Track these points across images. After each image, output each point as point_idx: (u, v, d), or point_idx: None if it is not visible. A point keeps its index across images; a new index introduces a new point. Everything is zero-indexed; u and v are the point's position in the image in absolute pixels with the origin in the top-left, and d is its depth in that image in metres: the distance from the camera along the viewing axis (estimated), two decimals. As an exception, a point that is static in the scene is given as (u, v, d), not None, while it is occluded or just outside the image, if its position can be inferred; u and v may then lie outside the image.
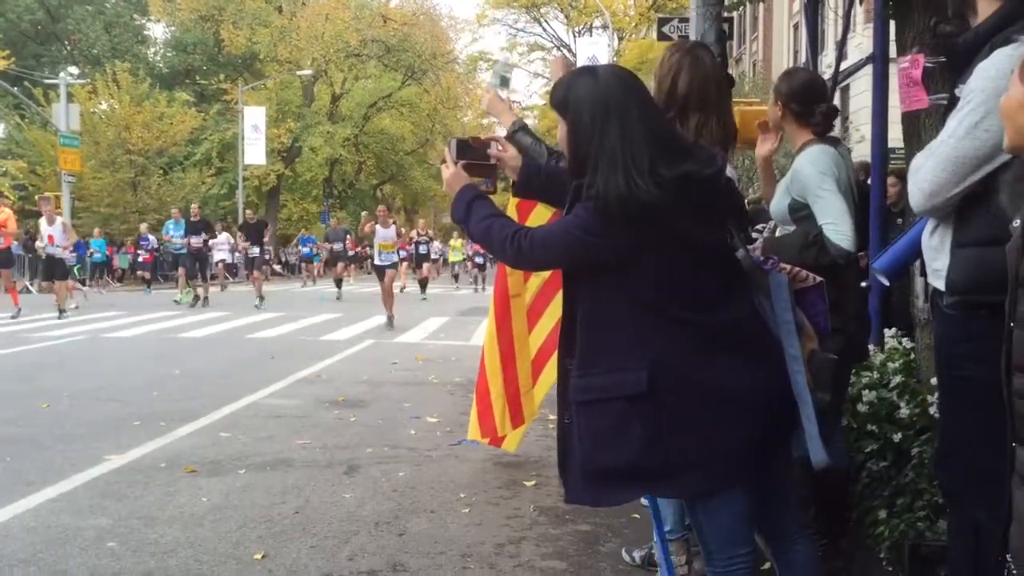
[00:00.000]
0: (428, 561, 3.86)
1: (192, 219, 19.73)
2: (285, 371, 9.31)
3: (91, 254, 27.49)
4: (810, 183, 3.12)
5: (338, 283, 23.18)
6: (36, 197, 34.52)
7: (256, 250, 20.35)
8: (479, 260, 28.68)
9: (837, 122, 3.55)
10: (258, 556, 3.87)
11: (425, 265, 24.98)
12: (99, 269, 28.41)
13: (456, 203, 2.43)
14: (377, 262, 15.32)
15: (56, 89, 30.86)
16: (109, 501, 4.68)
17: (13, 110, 36.69)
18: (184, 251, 19.51)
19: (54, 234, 16.12)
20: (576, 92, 2.23)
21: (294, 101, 44.59)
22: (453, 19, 55.37)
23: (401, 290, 23.42)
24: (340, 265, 23.97)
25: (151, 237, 27.09)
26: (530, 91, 51.00)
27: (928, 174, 2.31)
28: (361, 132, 46.54)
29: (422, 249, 25.32)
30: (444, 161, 2.55)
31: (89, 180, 32.44)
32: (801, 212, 3.18)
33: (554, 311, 4.96)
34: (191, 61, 45.58)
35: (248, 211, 24.47)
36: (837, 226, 3.04)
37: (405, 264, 24.80)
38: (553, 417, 6.25)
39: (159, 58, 47.94)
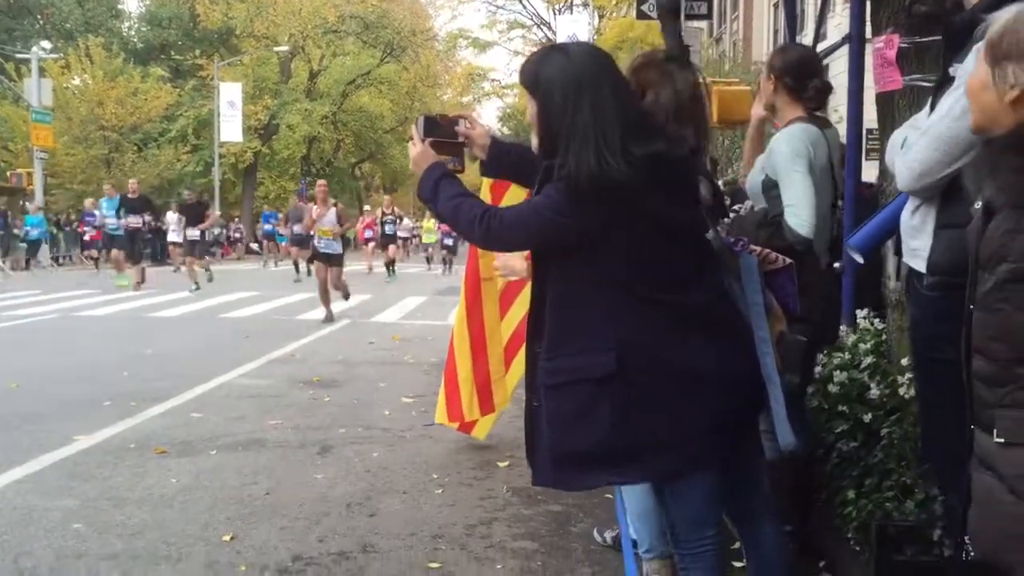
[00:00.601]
0: (399, 543, 3.84)
1: (129, 195, 17.96)
2: (259, 351, 9.24)
3: (25, 232, 25.38)
4: (781, 162, 3.10)
5: (296, 265, 21.56)
6: (7, 173, 34.27)
7: (196, 233, 17.71)
8: (448, 242, 26.52)
9: None
10: (227, 538, 3.84)
11: (391, 246, 22.89)
12: (35, 248, 25.53)
13: (423, 181, 2.37)
14: (317, 249, 12.47)
15: (28, 64, 30.41)
16: (77, 482, 4.63)
17: (-16, 85, 36.11)
18: (119, 231, 17.59)
19: None
20: (547, 70, 2.19)
21: (271, 78, 44.07)
22: (432, -4, 54.74)
23: (369, 270, 22.82)
24: (295, 249, 21.69)
25: (97, 213, 23.17)
26: (510, 69, 50.70)
27: (920, 153, 2.31)
28: (339, 110, 46.08)
29: (388, 229, 23.31)
30: (411, 138, 2.49)
31: (62, 156, 32.04)
32: (773, 191, 3.15)
33: (525, 297, 4.94)
34: (166, 36, 44.88)
35: (187, 191, 20.97)
36: (796, 210, 3.01)
37: (371, 245, 23.83)
38: (524, 391, 6.26)
39: (133, 33, 47.19)
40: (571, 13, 39.50)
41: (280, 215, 29.29)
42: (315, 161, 48.07)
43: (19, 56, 32.21)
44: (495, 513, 4.24)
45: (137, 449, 5.31)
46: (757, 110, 3.49)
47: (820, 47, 6.69)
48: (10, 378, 7.37)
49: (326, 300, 12.30)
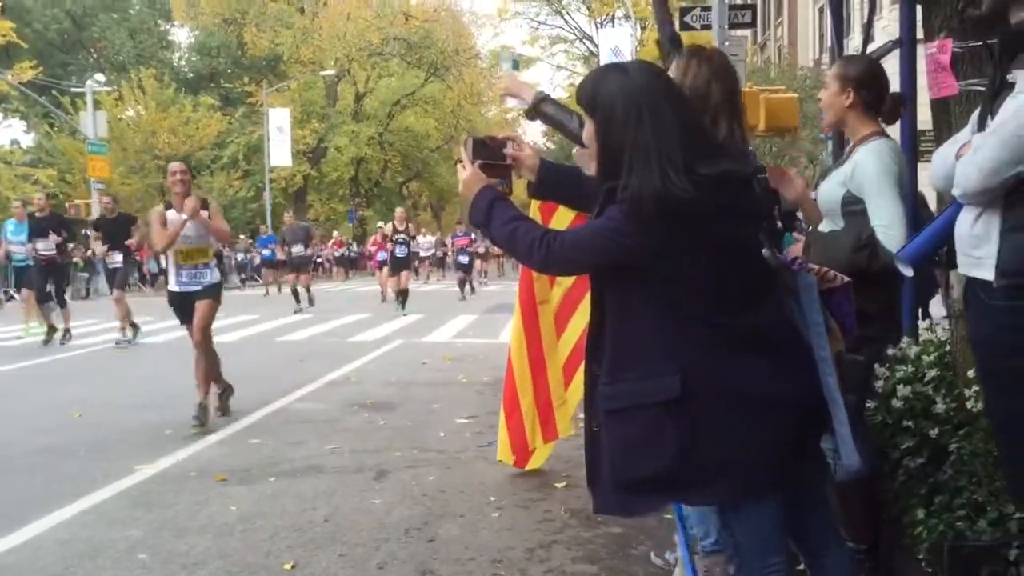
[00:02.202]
0: (458, 568, 3.82)
1: (38, 214, 13.10)
2: (314, 374, 9.32)
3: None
4: (871, 180, 3.01)
5: (295, 294, 18.44)
6: (66, 204, 35.17)
7: (118, 258, 12.96)
8: (463, 260, 23.47)
9: None
10: (288, 566, 3.86)
11: (403, 273, 17.75)
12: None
13: (475, 205, 2.34)
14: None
15: (83, 97, 31.19)
16: (140, 512, 4.69)
17: (42, 119, 37.21)
18: (27, 262, 13.07)
19: None
20: (606, 89, 2.15)
21: (318, 102, 44.76)
22: (474, 14, 55.34)
23: (384, 299, 20.00)
24: (303, 275, 19.05)
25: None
26: (553, 84, 50.74)
27: (990, 152, 2.32)
28: (386, 130, 46.63)
29: (399, 251, 17.83)
30: (459, 161, 2.47)
31: (118, 186, 32.79)
32: (854, 207, 3.08)
33: (581, 318, 4.91)
34: (215, 65, 45.88)
35: (106, 197, 14.86)
36: (890, 231, 2.94)
37: (384, 270, 19.95)
38: (584, 416, 6.21)
39: (184, 63, 48.30)
40: (613, 26, 39.42)
41: (277, 237, 24.52)
42: (363, 182, 48.65)
43: (75, 90, 33.08)
44: (554, 536, 4.21)
45: (198, 477, 5.38)
46: (789, 194, 3.25)
47: (868, 50, 6.59)
48: (72, 408, 7.53)
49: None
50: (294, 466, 5.61)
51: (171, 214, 6.99)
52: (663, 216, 2.02)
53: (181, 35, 48.98)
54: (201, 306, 7.02)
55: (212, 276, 7.21)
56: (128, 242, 12.89)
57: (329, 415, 7.27)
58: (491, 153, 2.50)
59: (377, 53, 44.21)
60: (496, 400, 5.81)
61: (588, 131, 2.21)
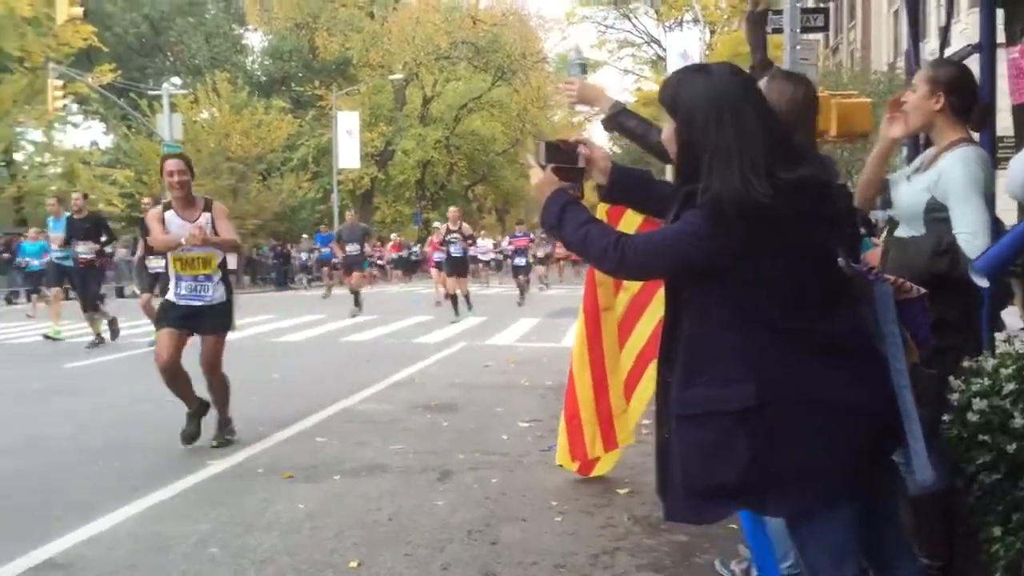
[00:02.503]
0: (521, 572, 3.83)
1: (76, 216, 12.48)
2: (378, 375, 9.42)
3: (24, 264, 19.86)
4: (956, 187, 2.94)
5: (355, 295, 17.68)
6: (142, 205, 36.13)
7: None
8: (519, 262, 22.24)
9: None
10: (353, 564, 3.91)
11: (459, 275, 16.80)
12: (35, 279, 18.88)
13: (547, 208, 2.35)
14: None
15: (160, 100, 32.00)
16: (210, 507, 4.79)
17: (121, 121, 38.27)
18: (67, 262, 12.75)
19: None
20: (688, 90, 2.15)
21: (386, 105, 45.32)
22: (542, 18, 55.03)
23: (439, 303, 19.05)
24: (355, 274, 18.15)
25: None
26: (621, 87, 50.56)
27: None
28: (452, 134, 47.00)
29: (454, 250, 16.78)
30: (524, 163, 2.49)
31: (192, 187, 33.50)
32: (937, 213, 3.01)
33: (645, 325, 4.88)
34: (287, 68, 46.78)
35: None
36: (974, 239, 2.86)
37: (436, 270, 19.20)
38: (647, 422, 6.14)
39: (256, 66, 49.34)
40: (681, 30, 39.16)
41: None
42: (429, 185, 49.09)
43: (152, 93, 33.97)
44: (617, 543, 4.19)
45: (266, 474, 5.48)
46: (893, 132, 3.27)
47: (945, 54, 6.44)
48: (143, 404, 7.73)
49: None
50: (359, 465, 5.67)
51: (170, 216, 6.18)
52: (743, 219, 2.00)
53: (254, 39, 50.11)
54: (208, 343, 6.26)
55: (216, 292, 6.17)
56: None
57: (393, 415, 7.34)
58: (563, 157, 2.50)
59: (445, 57, 44.59)
60: (559, 405, 5.80)
61: (667, 132, 2.21)
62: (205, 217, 6.12)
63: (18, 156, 36.24)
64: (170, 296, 6.29)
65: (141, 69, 43.28)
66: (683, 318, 2.19)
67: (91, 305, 12.46)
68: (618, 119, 3.17)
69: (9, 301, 23.62)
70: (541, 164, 2.45)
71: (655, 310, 4.95)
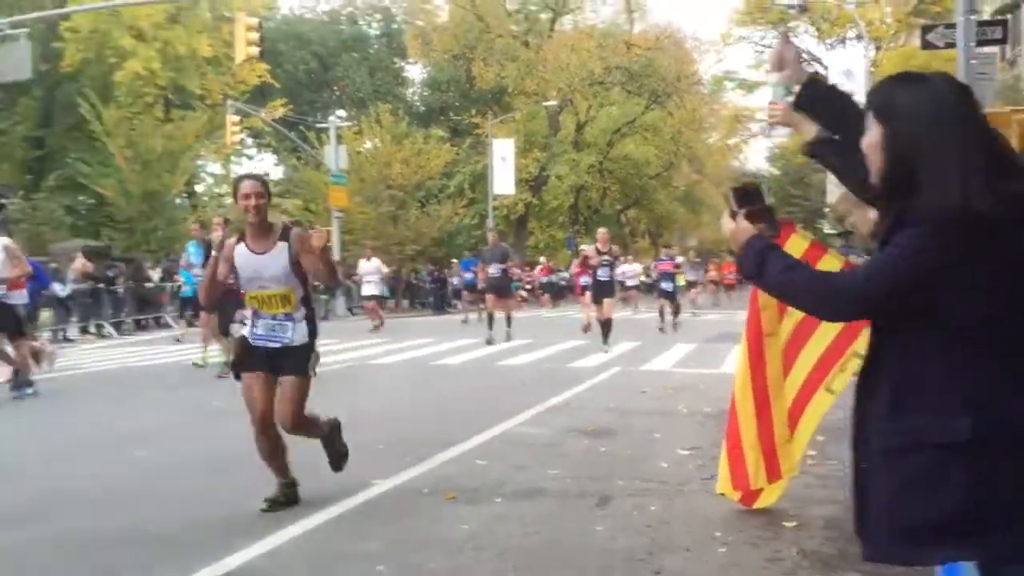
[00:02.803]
0: (684, 602, 3.78)
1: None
2: (535, 399, 9.50)
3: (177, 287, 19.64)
4: None
5: (490, 320, 17.11)
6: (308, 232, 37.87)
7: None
8: (666, 287, 20.88)
9: None
10: (515, 587, 3.95)
11: (606, 300, 15.52)
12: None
13: (746, 256, 2.27)
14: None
15: (327, 132, 33.59)
16: (377, 525, 4.96)
17: (291, 153, 40.37)
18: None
19: None
20: (905, 97, 2.08)
21: (540, 131, 45.91)
22: (697, 40, 54.42)
23: (585, 329, 17.37)
24: (491, 297, 17.33)
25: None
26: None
27: None
28: (605, 158, 47.09)
29: (601, 274, 15.56)
30: (725, 213, 2.40)
31: (355, 215, 34.96)
32: None
33: (812, 352, 4.75)
34: (445, 98, 48.20)
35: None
36: None
37: (586, 295, 17.36)
38: (812, 453, 5.94)
39: (416, 97, 51.07)
40: (844, 47, 37.88)
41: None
42: (582, 210, 49.30)
43: (319, 126, 35.72)
44: (784, 577, 4.07)
45: (430, 494, 5.62)
46: None
47: None
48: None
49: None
50: (518, 489, 5.74)
51: (242, 253, 5.24)
52: (962, 233, 1.93)
53: (414, 71, 51.85)
54: (287, 388, 5.21)
55: (296, 333, 5.25)
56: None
57: (550, 440, 7.39)
58: (751, 199, 2.41)
59: (599, 82, 44.78)
60: (719, 433, 5.70)
61: (872, 140, 2.12)
62: (280, 248, 5.18)
63: (199, 187, 38.82)
64: (244, 332, 5.46)
65: (310, 103, 45.57)
66: (888, 346, 2.09)
67: (222, 330, 12.03)
68: (821, 148, 3.04)
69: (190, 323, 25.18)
70: (733, 212, 2.36)
71: (822, 335, 4.81)
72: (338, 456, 5.73)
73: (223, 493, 5.75)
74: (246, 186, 5.24)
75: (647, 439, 7.33)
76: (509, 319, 17.43)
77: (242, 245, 5.26)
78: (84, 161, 33.06)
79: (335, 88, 49.70)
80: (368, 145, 38.25)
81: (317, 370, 5.41)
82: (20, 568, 4.41)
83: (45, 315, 19.71)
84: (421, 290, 34.99)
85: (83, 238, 29.70)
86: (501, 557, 4.37)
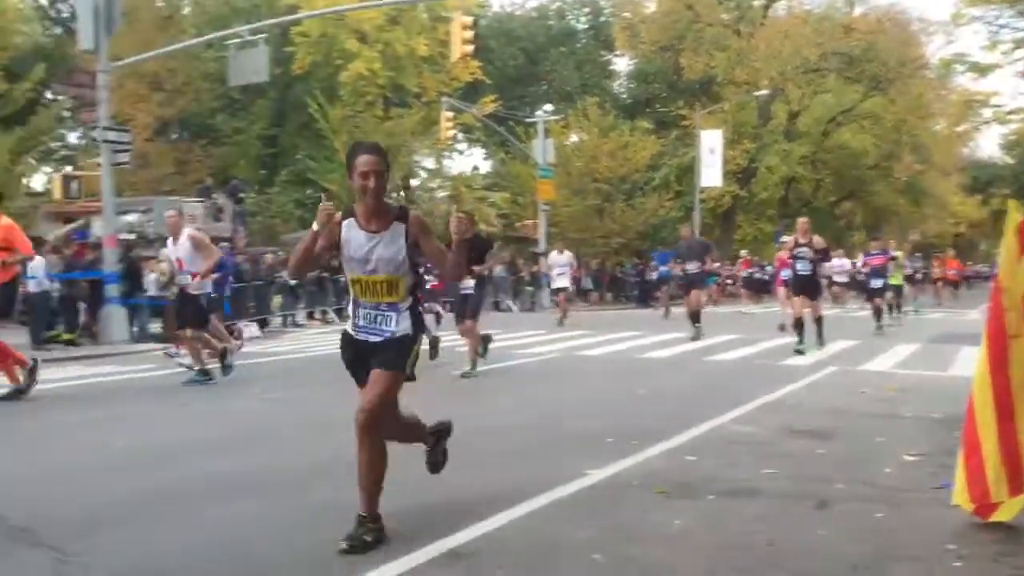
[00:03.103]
0: (916, 615, 3.58)
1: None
2: (746, 396, 9.26)
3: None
4: None
5: (694, 317, 16.52)
6: (516, 224, 38.74)
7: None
8: (875, 284, 19.51)
9: None
10: (733, 585, 3.88)
11: (810, 300, 14.29)
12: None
13: None
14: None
15: (535, 126, 34.13)
16: (590, 515, 4.99)
17: (499, 147, 41.33)
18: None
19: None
20: None
21: (749, 122, 44.54)
22: (924, 21, 50.81)
23: (782, 328, 16.90)
24: (694, 293, 16.76)
25: None
26: (1016, 92, 45.45)
27: None
28: (819, 149, 45.15)
29: (800, 267, 14.16)
30: None
31: (561, 208, 35.34)
32: None
33: None
34: (651, 90, 47.76)
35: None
36: None
37: (784, 289, 16.98)
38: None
39: (622, 90, 50.87)
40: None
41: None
42: (793, 202, 47.50)
43: (527, 120, 36.37)
44: (1030, 598, 3.78)
45: (640, 487, 5.61)
46: None
47: None
48: (528, 411, 8.24)
49: None
50: (732, 486, 5.62)
51: (350, 228, 4.53)
52: None
53: (620, 64, 51.64)
54: (377, 379, 4.47)
55: (399, 324, 4.55)
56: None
57: (764, 438, 7.18)
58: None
59: (814, 70, 42.92)
60: (950, 439, 5.35)
61: None
62: (397, 229, 4.49)
63: (414, 182, 40.49)
64: (348, 327, 4.72)
65: (519, 98, 46.33)
66: None
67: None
68: None
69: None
70: None
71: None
72: (433, 464, 5.33)
73: (445, 477, 5.79)
74: (366, 161, 4.40)
75: (868, 442, 6.98)
76: (698, 316, 16.64)
77: (351, 221, 4.55)
78: (311, 157, 35.39)
79: (543, 82, 50.32)
80: (575, 138, 38.53)
81: (415, 372, 4.64)
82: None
83: (276, 300, 21.24)
84: (626, 283, 34.92)
85: (310, 230, 31.66)
86: (718, 554, 4.30)
